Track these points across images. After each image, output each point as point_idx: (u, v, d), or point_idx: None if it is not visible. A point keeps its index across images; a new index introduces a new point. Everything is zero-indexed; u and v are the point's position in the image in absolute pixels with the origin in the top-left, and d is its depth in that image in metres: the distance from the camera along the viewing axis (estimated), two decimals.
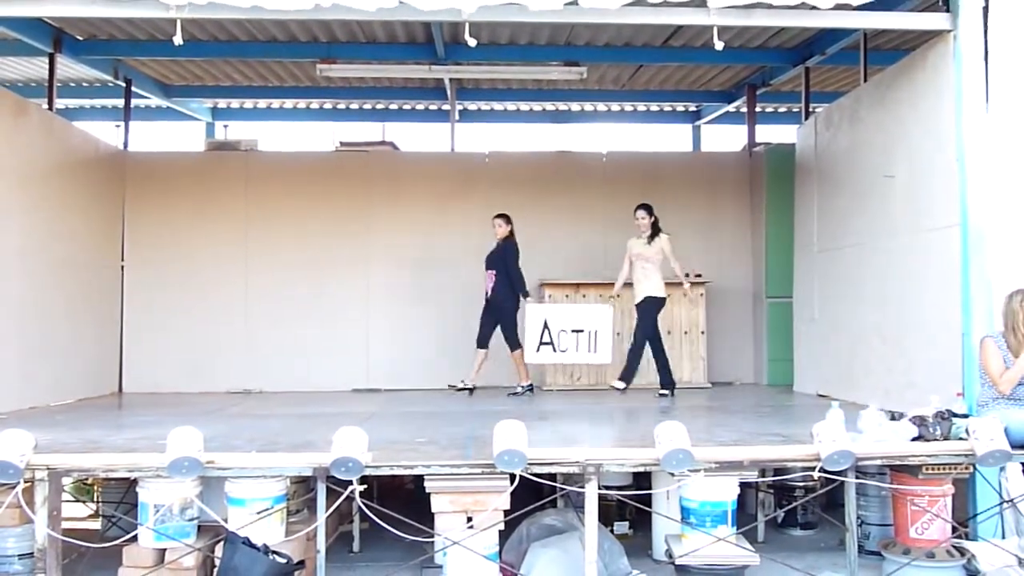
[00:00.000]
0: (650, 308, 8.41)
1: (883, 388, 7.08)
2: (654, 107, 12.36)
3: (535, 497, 5.43)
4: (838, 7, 5.83)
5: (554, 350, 8.60)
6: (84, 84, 10.95)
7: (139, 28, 8.67)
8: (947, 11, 6.15)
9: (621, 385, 8.27)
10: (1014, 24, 6.00)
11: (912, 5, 7.34)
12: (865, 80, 8.18)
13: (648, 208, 8.47)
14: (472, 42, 6.04)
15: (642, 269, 8.40)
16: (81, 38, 8.98)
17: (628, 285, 8.63)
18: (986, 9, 6.00)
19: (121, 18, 8.06)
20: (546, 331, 8.54)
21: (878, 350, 7.34)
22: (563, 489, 5.43)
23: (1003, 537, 5.32)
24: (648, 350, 8.45)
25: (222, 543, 4.80)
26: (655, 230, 8.42)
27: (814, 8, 5.86)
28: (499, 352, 8.85)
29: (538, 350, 8.58)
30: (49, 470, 4.65)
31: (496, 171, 10.44)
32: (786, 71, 9.89)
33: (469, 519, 4.83)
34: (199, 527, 5.04)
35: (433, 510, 4.90)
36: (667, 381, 8.51)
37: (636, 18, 6.36)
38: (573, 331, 8.54)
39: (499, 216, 8.77)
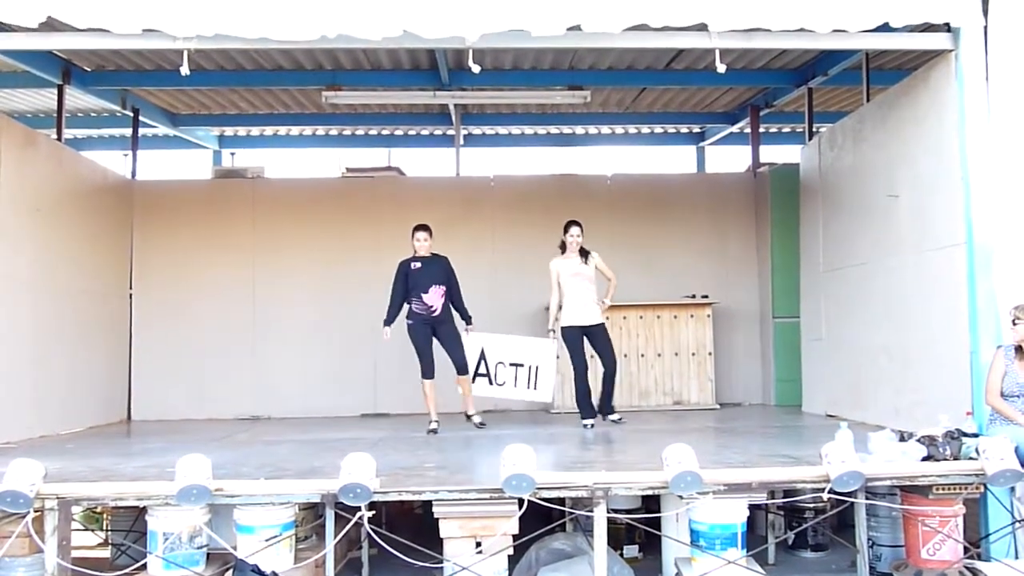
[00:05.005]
0: (606, 332, 7.97)
1: (892, 408, 7.07)
2: (658, 129, 12.41)
3: (544, 521, 5.42)
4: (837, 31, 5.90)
5: (490, 383, 8.03)
6: (92, 114, 11.07)
7: (147, 59, 8.77)
8: (948, 31, 6.19)
9: (617, 416, 7.96)
10: (1015, 43, 6.03)
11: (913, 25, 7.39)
12: (868, 100, 8.22)
13: (582, 225, 7.99)
14: (476, 68, 6.11)
15: (586, 290, 7.86)
16: (89, 69, 9.08)
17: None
18: (986, 29, 6.04)
19: (129, 50, 8.17)
20: (483, 361, 8.01)
21: (886, 369, 7.32)
22: (572, 513, 5.42)
23: (1016, 557, 5.27)
24: (597, 374, 7.99)
25: (231, 571, 4.80)
26: (583, 249, 7.97)
27: (814, 31, 5.93)
28: None
29: (473, 381, 7.98)
30: (59, 499, 4.67)
31: (501, 195, 10.49)
32: (789, 92, 9.94)
33: (478, 544, 4.82)
34: (208, 555, 5.03)
35: (442, 535, 4.88)
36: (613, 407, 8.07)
37: (638, 42, 6.43)
38: (512, 364, 8.03)
39: (427, 229, 7.90)
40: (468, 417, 8.01)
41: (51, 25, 5.77)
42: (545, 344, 8.09)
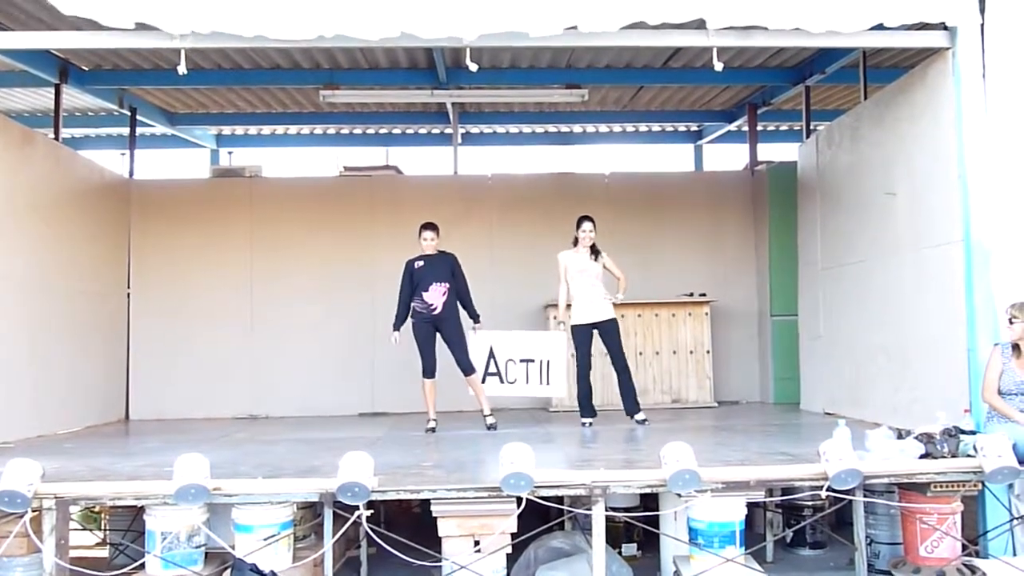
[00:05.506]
0: (617, 328, 7.81)
1: (889, 405, 7.07)
2: (656, 127, 12.42)
3: (542, 520, 5.42)
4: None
5: (501, 381, 7.84)
6: (90, 113, 11.05)
7: (144, 58, 8.76)
8: (945, 29, 6.19)
9: (642, 416, 7.81)
10: (1011, 41, 6.03)
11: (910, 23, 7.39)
12: (865, 98, 8.22)
13: (595, 221, 7.84)
14: (473, 67, 6.12)
15: (593, 286, 7.72)
16: (87, 68, 9.07)
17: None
18: (983, 26, 6.04)
19: (126, 49, 8.16)
20: (492, 360, 7.84)
21: (884, 367, 7.33)
22: (570, 511, 5.42)
23: (1014, 554, 5.28)
24: (611, 373, 7.88)
25: (229, 570, 4.80)
26: (594, 246, 7.83)
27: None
28: None
29: (483, 381, 7.79)
30: (57, 499, 4.66)
31: (499, 193, 10.49)
32: (786, 90, 9.95)
33: (476, 543, 4.82)
34: (206, 554, 5.02)
35: (440, 534, 4.89)
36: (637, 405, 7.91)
37: (635, 40, 6.42)
38: (522, 361, 7.86)
39: (433, 227, 7.75)
40: (485, 417, 7.81)
41: (46, 23, 5.76)
42: (555, 337, 7.99)
